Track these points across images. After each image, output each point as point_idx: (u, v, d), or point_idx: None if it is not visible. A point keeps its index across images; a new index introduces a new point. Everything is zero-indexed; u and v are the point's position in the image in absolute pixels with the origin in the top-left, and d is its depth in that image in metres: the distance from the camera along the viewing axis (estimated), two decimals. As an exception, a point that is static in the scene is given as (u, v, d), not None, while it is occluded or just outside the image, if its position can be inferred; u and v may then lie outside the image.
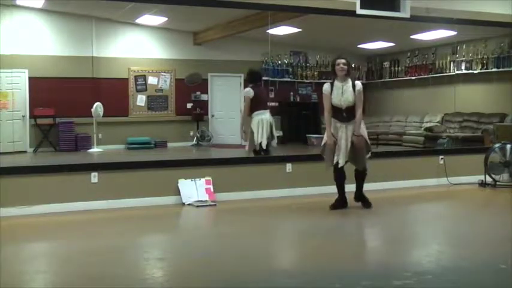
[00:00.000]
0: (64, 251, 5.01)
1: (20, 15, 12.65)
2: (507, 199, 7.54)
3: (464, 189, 8.16)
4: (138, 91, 14.09)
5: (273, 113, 8.09)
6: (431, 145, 12.01)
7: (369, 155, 6.40)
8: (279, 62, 14.71)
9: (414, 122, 14.13)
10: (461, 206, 7.34)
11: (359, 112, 6.25)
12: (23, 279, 4.09)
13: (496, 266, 4.21)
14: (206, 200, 6.93)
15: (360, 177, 6.42)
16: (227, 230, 5.82)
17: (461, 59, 12.86)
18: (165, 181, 6.97)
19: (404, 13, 8.28)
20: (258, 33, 11.57)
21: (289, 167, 7.65)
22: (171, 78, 14.34)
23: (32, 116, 12.77)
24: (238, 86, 14.04)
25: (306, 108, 14.93)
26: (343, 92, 6.19)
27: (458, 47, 12.74)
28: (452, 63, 13.17)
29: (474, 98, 12.68)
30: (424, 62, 14.04)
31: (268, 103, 8.39)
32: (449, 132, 12.42)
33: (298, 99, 15.19)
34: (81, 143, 12.96)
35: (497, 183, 8.18)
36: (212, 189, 7.06)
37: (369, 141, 6.42)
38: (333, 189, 6.52)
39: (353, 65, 6.91)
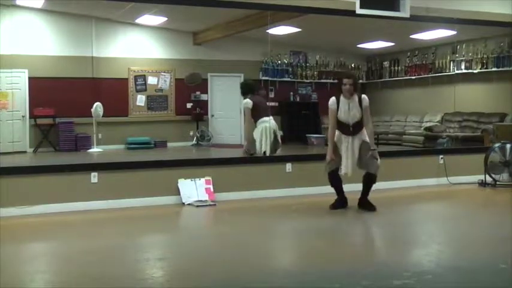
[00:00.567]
0: (64, 251, 5.01)
1: (20, 15, 12.66)
2: (507, 199, 7.54)
3: (464, 189, 8.16)
4: (137, 91, 14.09)
5: (272, 113, 8.11)
6: (431, 145, 12.01)
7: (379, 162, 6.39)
8: (279, 61, 14.72)
9: (414, 121, 14.13)
10: (461, 205, 7.34)
11: (370, 127, 6.29)
12: (23, 279, 4.10)
13: (496, 266, 4.21)
14: (206, 200, 6.93)
15: (370, 181, 6.35)
16: (227, 230, 5.82)
17: (461, 58, 12.87)
18: (165, 181, 6.97)
19: (404, 13, 8.28)
20: (257, 33, 11.58)
21: (289, 167, 7.65)
22: (170, 78, 14.34)
23: (32, 116, 12.77)
24: (238, 86, 14.00)
25: (305, 108, 14.95)
26: (349, 108, 6.18)
27: (458, 47, 12.75)
28: (452, 62, 13.18)
29: (474, 97, 12.68)
30: (424, 62, 14.06)
31: (269, 109, 8.41)
32: (449, 132, 12.42)
33: (298, 99, 15.22)
34: (81, 143, 12.96)
35: (497, 183, 8.19)
36: (212, 189, 7.06)
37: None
38: (333, 189, 6.51)
39: (358, 82, 6.89)
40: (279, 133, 8.16)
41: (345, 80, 6.20)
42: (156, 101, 14.26)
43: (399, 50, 14.65)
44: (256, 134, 7.91)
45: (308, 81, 15.20)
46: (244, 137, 8.39)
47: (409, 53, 14.46)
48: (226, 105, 14.53)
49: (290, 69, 14.94)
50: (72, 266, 4.38)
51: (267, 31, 10.72)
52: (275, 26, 11.32)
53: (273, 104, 14.27)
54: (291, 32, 12.41)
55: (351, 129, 6.22)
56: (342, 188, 6.45)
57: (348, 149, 6.21)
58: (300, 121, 14.61)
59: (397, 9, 8.24)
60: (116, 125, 13.49)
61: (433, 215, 6.73)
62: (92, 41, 13.33)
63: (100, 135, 13.13)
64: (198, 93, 14.40)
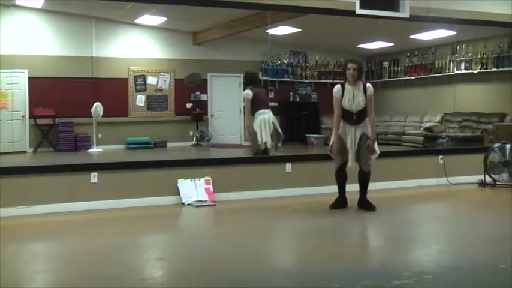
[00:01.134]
0: (64, 251, 5.01)
1: (19, 15, 12.66)
2: (507, 199, 7.54)
3: (463, 189, 8.16)
4: (137, 91, 14.09)
5: (272, 113, 8.10)
6: (431, 145, 12.01)
7: (377, 154, 6.39)
8: (279, 62, 14.73)
9: (414, 121, 14.14)
10: (461, 206, 7.34)
11: (372, 116, 6.26)
12: (23, 279, 4.10)
13: (496, 266, 4.21)
14: (206, 200, 6.93)
15: (364, 180, 6.37)
16: (227, 230, 5.82)
17: (460, 58, 12.88)
18: (164, 181, 6.97)
19: (404, 13, 8.28)
20: (257, 33, 11.57)
21: (288, 167, 7.65)
22: (170, 78, 14.35)
23: (32, 116, 12.78)
24: (237, 86, 14.04)
25: (305, 108, 14.95)
26: (354, 96, 6.16)
27: (458, 47, 12.75)
28: (451, 63, 13.18)
29: (474, 97, 12.68)
30: (424, 62, 14.06)
31: (268, 103, 8.38)
32: (449, 132, 12.42)
33: (297, 99, 15.22)
34: (81, 143, 12.97)
35: (497, 183, 8.19)
36: (212, 189, 7.06)
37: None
38: (333, 189, 6.52)
39: (363, 69, 6.86)
40: (278, 125, 8.12)
41: (349, 65, 6.20)
42: (155, 101, 14.26)
43: (399, 50, 14.66)
44: (256, 126, 7.89)
45: (308, 81, 15.20)
46: (244, 128, 8.36)
47: (408, 53, 14.46)
48: (226, 105, 14.54)
49: (290, 69, 14.95)
50: (72, 266, 4.38)
51: (267, 31, 10.72)
52: (275, 26, 11.32)
53: (272, 104, 14.27)
54: (291, 32, 12.41)
55: (354, 117, 6.19)
56: (344, 188, 6.45)
57: (352, 140, 6.20)
58: (300, 121, 14.61)
59: (397, 10, 8.24)
60: (116, 125, 13.50)
61: (433, 215, 6.74)
62: (91, 41, 13.34)
63: (100, 135, 13.14)
64: (197, 93, 14.41)
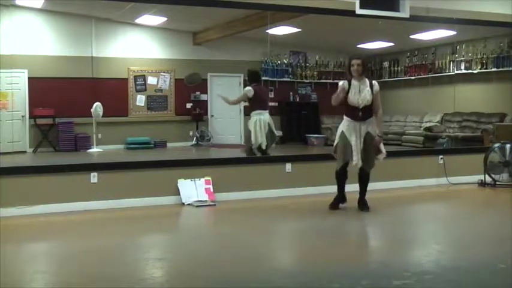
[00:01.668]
0: (64, 251, 5.01)
1: (19, 15, 12.66)
2: (507, 199, 7.54)
3: (463, 189, 8.16)
4: (137, 91, 14.09)
5: (272, 113, 8.09)
6: (430, 145, 12.02)
7: (384, 155, 6.37)
8: (279, 62, 14.73)
9: (414, 121, 14.14)
10: (461, 206, 7.34)
11: (380, 112, 6.26)
12: (23, 279, 4.10)
13: (496, 266, 4.21)
14: (206, 200, 6.93)
15: (364, 179, 6.37)
16: (227, 230, 5.82)
17: (460, 58, 12.88)
18: (164, 181, 6.97)
19: (404, 13, 8.28)
20: (257, 33, 11.57)
21: (288, 167, 7.65)
22: (170, 78, 14.35)
23: (32, 116, 12.78)
24: (237, 86, 14.05)
25: (305, 108, 14.95)
26: (360, 90, 6.15)
27: (458, 47, 12.75)
28: (451, 63, 13.19)
29: (474, 97, 12.68)
30: (424, 62, 14.07)
31: (268, 103, 8.37)
32: (449, 132, 12.43)
33: (297, 99, 15.22)
34: (81, 143, 12.97)
35: (497, 183, 8.19)
36: (212, 189, 7.06)
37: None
38: (333, 189, 6.50)
39: (368, 65, 6.85)
40: (278, 133, 8.12)
41: (353, 61, 6.20)
42: (155, 101, 14.26)
43: (399, 50, 14.66)
44: (251, 125, 7.89)
45: (308, 81, 15.21)
46: (223, 98, 8.53)
47: (408, 53, 14.47)
48: (226, 105, 14.47)
49: (290, 69, 14.95)
50: (72, 265, 4.38)
51: (267, 31, 10.72)
52: (275, 26, 11.32)
53: (272, 104, 14.28)
54: (291, 32, 12.41)
55: (360, 114, 6.16)
56: (344, 187, 6.44)
57: (356, 137, 6.17)
58: (300, 121, 14.61)
59: (397, 10, 8.24)
60: (116, 125, 13.50)
61: (432, 215, 6.73)
62: (91, 41, 13.34)
63: (100, 135, 13.14)
64: (197, 93, 14.41)
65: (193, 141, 14.23)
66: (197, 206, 6.78)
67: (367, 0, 8.01)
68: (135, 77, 14.04)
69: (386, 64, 15.18)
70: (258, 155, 7.90)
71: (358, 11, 8.01)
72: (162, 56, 14.22)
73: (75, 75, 13.12)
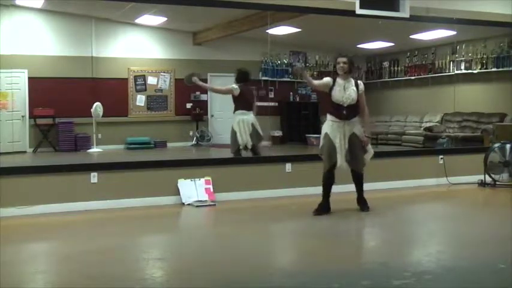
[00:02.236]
0: (64, 251, 5.00)
1: (19, 15, 12.65)
2: (507, 199, 7.54)
3: (463, 189, 8.16)
4: (137, 91, 14.09)
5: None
6: (430, 145, 12.01)
7: (371, 155, 6.35)
8: (279, 61, 14.72)
9: (414, 121, 14.14)
10: (461, 206, 7.34)
11: (366, 112, 6.25)
12: (23, 279, 4.10)
13: (496, 266, 4.21)
14: (206, 200, 6.93)
15: (358, 180, 6.33)
16: (227, 230, 5.82)
17: (460, 58, 12.87)
18: (164, 181, 6.97)
19: (404, 13, 8.28)
20: (257, 33, 11.56)
21: (288, 167, 7.65)
22: (170, 78, 14.34)
23: (32, 116, 12.77)
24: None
25: (305, 108, 14.95)
26: (345, 88, 6.13)
27: (458, 47, 12.75)
28: (451, 63, 13.18)
29: (474, 97, 12.68)
30: (424, 62, 14.06)
31: (254, 105, 8.27)
32: (449, 132, 12.42)
33: (297, 99, 15.21)
34: (81, 143, 12.96)
35: (497, 183, 8.19)
36: (212, 189, 7.06)
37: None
38: (333, 189, 6.47)
39: (356, 65, 6.83)
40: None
41: (339, 59, 6.19)
42: (155, 101, 14.26)
43: (399, 50, 14.65)
44: (234, 125, 7.89)
45: (308, 81, 15.18)
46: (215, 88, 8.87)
47: (408, 53, 14.46)
48: (226, 105, 14.46)
49: (290, 69, 14.95)
50: (72, 265, 4.38)
51: (267, 31, 10.71)
52: (275, 26, 11.32)
53: (272, 104, 14.29)
54: (291, 32, 12.41)
55: (345, 112, 6.10)
56: (329, 192, 6.26)
57: (339, 138, 6.12)
58: (300, 121, 14.61)
59: (397, 10, 8.24)
60: (116, 125, 13.49)
61: (432, 215, 6.73)
62: (91, 41, 13.33)
63: (100, 135, 13.13)
64: (197, 93, 14.39)
65: (193, 141, 14.22)
66: (197, 206, 6.78)
67: (367, 0, 8.01)
68: (135, 77, 14.04)
69: (386, 64, 15.16)
70: (247, 155, 7.88)
71: (358, 11, 8.01)
72: (162, 56, 14.22)
73: (75, 75, 13.12)
